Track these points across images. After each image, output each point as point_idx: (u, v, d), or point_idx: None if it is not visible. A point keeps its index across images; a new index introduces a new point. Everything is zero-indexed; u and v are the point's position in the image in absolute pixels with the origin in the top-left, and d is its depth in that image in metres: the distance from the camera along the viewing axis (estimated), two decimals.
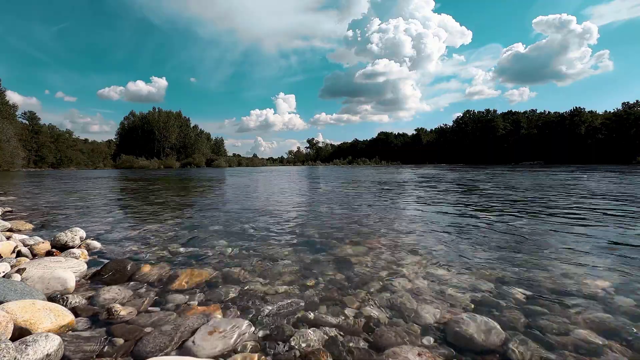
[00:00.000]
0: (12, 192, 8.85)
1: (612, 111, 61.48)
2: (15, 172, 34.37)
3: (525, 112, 77.50)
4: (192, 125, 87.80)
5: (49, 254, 2.43)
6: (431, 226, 3.66)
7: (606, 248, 2.64)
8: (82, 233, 2.81)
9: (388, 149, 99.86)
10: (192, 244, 2.89)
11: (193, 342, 1.28)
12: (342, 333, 1.39)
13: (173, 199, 6.79)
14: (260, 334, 1.38)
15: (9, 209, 4.98)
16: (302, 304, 1.66)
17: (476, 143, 77.44)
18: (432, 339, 1.34)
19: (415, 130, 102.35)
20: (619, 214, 4.27)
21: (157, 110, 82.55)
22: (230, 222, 3.98)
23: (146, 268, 2.15)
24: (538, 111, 76.24)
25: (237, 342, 1.30)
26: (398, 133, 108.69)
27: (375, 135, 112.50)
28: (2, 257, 2.24)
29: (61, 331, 1.35)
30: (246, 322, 1.43)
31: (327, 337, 1.35)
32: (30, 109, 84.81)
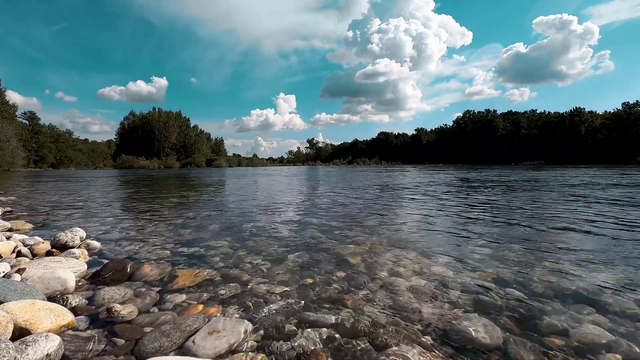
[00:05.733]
0: (12, 192, 8.85)
1: (612, 111, 61.50)
2: (15, 172, 34.36)
3: (525, 112, 77.52)
4: (192, 125, 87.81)
5: (49, 254, 2.43)
6: (431, 226, 3.66)
7: (608, 247, 2.64)
8: (82, 233, 2.81)
9: (388, 149, 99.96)
10: (192, 243, 2.89)
11: (193, 341, 1.28)
12: (342, 333, 1.39)
13: (173, 199, 6.79)
14: (260, 333, 1.38)
15: (9, 209, 4.98)
16: (302, 303, 1.66)
17: (476, 143, 77.45)
18: (432, 339, 1.34)
19: (415, 130, 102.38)
20: (622, 213, 4.27)
21: (157, 110, 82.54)
22: (230, 222, 3.98)
23: (146, 268, 2.14)
24: (538, 111, 76.30)
25: (237, 342, 1.30)
26: (398, 133, 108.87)
27: (375, 135, 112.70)
28: (2, 257, 2.24)
29: (61, 331, 1.35)
30: (246, 322, 1.43)
31: (327, 337, 1.35)
32: (31, 109, 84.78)
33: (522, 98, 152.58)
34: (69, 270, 1.91)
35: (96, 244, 2.76)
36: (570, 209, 4.74)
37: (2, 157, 43.47)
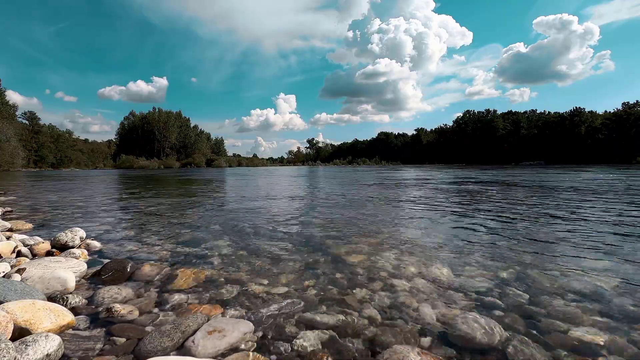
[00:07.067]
0: (12, 192, 8.85)
1: (612, 111, 61.55)
2: (15, 172, 34.36)
3: (525, 112, 77.64)
4: (192, 125, 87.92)
5: (49, 254, 2.43)
6: (431, 226, 3.66)
7: (608, 247, 2.64)
8: (82, 233, 2.81)
9: (388, 149, 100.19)
10: (192, 243, 2.89)
11: (193, 341, 1.28)
12: (341, 333, 1.39)
13: (173, 199, 6.78)
14: (260, 334, 1.38)
15: (9, 209, 4.98)
16: (302, 303, 1.66)
17: (476, 143, 77.48)
18: (432, 339, 1.34)
19: (416, 130, 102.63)
20: (622, 212, 4.27)
21: (157, 110, 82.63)
22: (230, 222, 3.98)
23: (146, 268, 2.14)
24: (538, 111, 76.41)
25: (237, 342, 1.30)
26: (398, 133, 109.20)
27: (375, 135, 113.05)
28: (2, 257, 2.24)
29: (61, 331, 1.34)
30: (246, 322, 1.43)
31: (327, 337, 1.35)
32: (31, 109, 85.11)
33: (522, 98, 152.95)
34: (69, 270, 1.91)
35: (96, 244, 2.76)
36: (572, 209, 4.74)
37: (2, 157, 43.53)
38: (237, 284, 1.93)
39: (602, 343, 1.29)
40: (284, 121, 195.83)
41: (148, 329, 1.40)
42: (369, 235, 3.20)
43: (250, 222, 3.92)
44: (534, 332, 1.38)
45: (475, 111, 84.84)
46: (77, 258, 2.29)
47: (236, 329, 1.36)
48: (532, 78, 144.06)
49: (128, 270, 2.07)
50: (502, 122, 76.16)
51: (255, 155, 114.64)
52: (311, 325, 1.45)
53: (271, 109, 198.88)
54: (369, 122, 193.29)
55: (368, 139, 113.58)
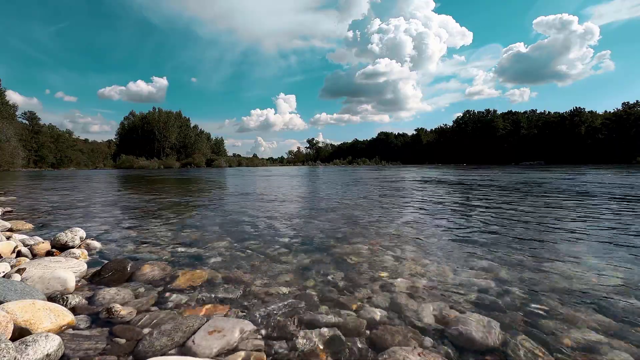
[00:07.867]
0: (12, 192, 8.85)
1: (612, 111, 61.59)
2: (15, 172, 34.36)
3: (525, 112, 77.70)
4: (192, 125, 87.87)
5: (49, 254, 2.43)
6: (431, 226, 3.66)
7: (608, 247, 2.64)
8: (82, 233, 2.81)
9: (388, 149, 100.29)
10: (192, 243, 2.89)
11: (193, 341, 1.28)
12: (342, 333, 1.39)
13: (173, 199, 6.78)
14: (261, 333, 1.38)
15: (9, 209, 4.97)
16: (302, 303, 1.66)
17: (476, 143, 77.50)
18: (432, 339, 1.34)
19: (416, 130, 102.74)
20: (622, 212, 4.26)
21: (157, 110, 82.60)
22: (231, 222, 3.98)
23: (146, 268, 2.14)
24: (538, 111, 76.46)
25: (237, 341, 1.30)
26: (398, 133, 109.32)
27: (375, 135, 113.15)
28: (2, 257, 2.24)
29: (61, 331, 1.35)
30: (246, 322, 1.43)
31: (327, 337, 1.35)
32: (31, 109, 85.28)
33: (522, 98, 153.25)
34: (69, 270, 1.91)
35: (96, 244, 2.76)
36: (571, 209, 4.74)
37: (2, 157, 43.55)
38: (237, 283, 1.93)
39: (602, 343, 1.29)
40: (284, 121, 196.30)
41: (148, 329, 1.40)
42: (369, 235, 3.20)
43: (251, 222, 3.92)
44: (534, 332, 1.38)
45: (475, 111, 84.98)
46: (77, 258, 2.29)
47: (236, 328, 1.37)
48: (532, 78, 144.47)
49: (128, 270, 2.07)
50: (502, 122, 76.21)
51: (255, 155, 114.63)
52: (311, 325, 1.45)
53: (271, 109, 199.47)
54: (369, 122, 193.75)
55: (368, 139, 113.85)
